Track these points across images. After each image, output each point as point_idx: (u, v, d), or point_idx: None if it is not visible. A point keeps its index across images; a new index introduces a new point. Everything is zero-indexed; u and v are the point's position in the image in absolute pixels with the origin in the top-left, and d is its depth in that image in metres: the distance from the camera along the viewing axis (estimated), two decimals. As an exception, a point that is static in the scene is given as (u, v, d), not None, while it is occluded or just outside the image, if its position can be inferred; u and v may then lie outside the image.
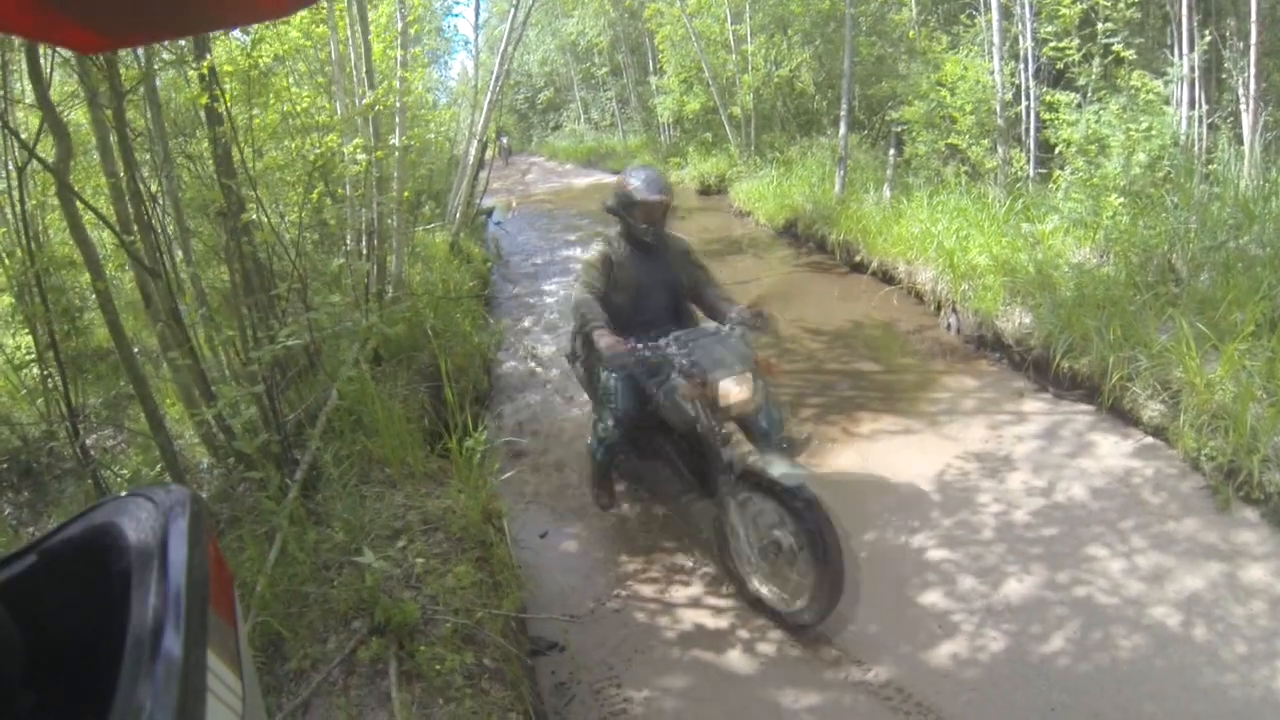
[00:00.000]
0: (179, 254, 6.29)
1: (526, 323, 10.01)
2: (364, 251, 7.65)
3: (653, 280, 5.06)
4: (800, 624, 4.29)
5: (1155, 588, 4.54)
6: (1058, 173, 9.32)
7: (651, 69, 24.35)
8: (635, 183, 4.94)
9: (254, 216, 5.62)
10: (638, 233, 4.98)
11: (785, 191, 14.22)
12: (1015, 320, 7.68)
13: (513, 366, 8.56)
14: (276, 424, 4.94)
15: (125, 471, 5.37)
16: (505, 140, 16.95)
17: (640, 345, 4.45)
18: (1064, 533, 5.12)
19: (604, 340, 4.33)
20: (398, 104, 7.88)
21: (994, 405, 6.94)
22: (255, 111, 6.81)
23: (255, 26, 6.84)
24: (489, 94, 13.11)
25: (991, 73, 10.52)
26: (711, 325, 4.89)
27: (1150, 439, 6.05)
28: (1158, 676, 3.94)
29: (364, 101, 7.31)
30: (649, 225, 4.96)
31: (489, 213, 17.21)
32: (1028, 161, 10.26)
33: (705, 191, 18.85)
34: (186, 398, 5.38)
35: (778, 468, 4.08)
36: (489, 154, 15.26)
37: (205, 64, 5.25)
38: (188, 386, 5.20)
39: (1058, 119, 9.27)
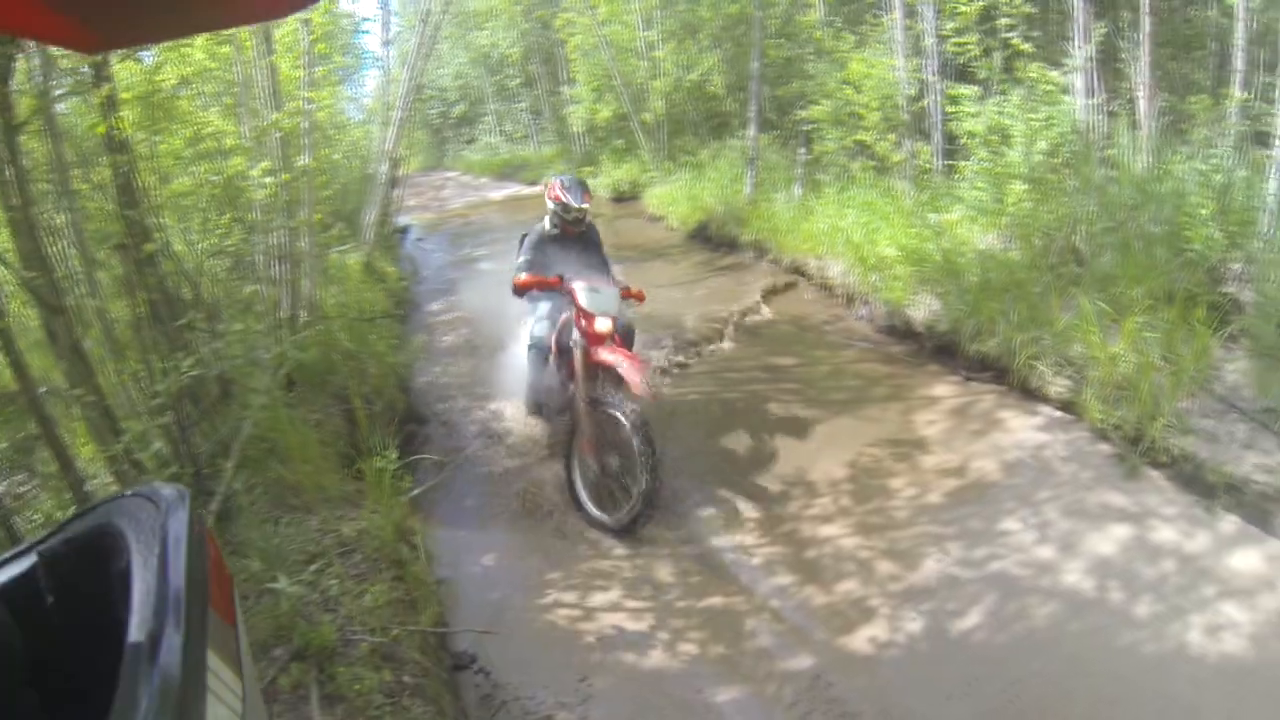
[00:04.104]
0: (84, 287, 6.14)
1: (446, 340, 9.93)
2: (276, 276, 7.50)
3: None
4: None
5: (1068, 555, 4.72)
6: (962, 164, 9.52)
7: (563, 78, 24.12)
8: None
9: (158, 246, 5.49)
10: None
11: (697, 194, 14.26)
12: (924, 308, 7.88)
13: (429, 384, 8.50)
14: (189, 455, 4.88)
15: (38, 516, 5.25)
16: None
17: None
18: (978, 509, 5.27)
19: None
20: (304, 125, 7.76)
21: (905, 390, 7.12)
22: (158, 137, 6.63)
23: (156, 50, 6.72)
24: (398, 110, 12.98)
25: (896, 69, 10.69)
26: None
27: (1059, 413, 6.27)
28: (1073, 641, 4.10)
29: (268, 123, 7.21)
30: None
31: (405, 230, 16.99)
32: (934, 154, 10.43)
33: (619, 198, 18.75)
34: (97, 435, 5.25)
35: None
36: (401, 171, 14.92)
37: (103, 91, 5.14)
38: (96, 423, 5.08)
39: (961, 112, 9.48)
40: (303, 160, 7.79)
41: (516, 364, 6.85)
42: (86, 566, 1.37)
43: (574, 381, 5.84)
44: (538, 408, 6.65)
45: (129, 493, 1.50)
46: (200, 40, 7.20)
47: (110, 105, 5.24)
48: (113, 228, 5.59)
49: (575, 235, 6.68)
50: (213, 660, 1.15)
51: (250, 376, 5.88)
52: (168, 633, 1.09)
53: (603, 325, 5.68)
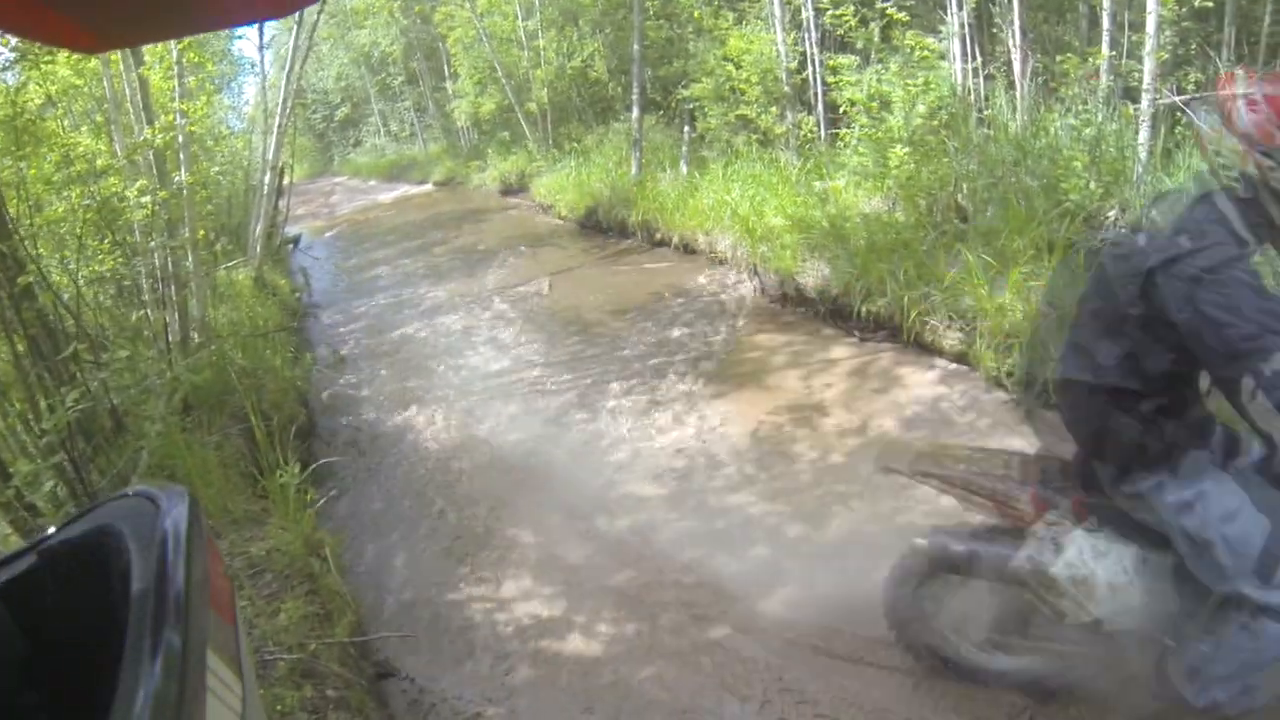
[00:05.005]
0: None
1: (344, 350, 9.75)
2: (163, 299, 7.18)
3: None
4: None
5: (975, 502, 4.76)
6: (845, 132, 9.69)
7: (447, 74, 24.09)
8: None
9: (33, 278, 5.13)
10: None
11: (584, 180, 14.26)
12: (814, 274, 7.98)
13: (330, 393, 8.31)
14: (86, 493, 4.69)
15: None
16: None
17: None
18: (882, 467, 5.32)
19: None
20: (179, 139, 7.39)
21: (803, 356, 7.20)
22: (25, 163, 6.26)
23: (19, 69, 6.51)
24: (279, 117, 12.54)
25: (775, 44, 10.79)
26: None
27: (954, 365, 6.43)
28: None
29: (141, 140, 6.87)
30: None
31: (295, 241, 16.42)
32: (817, 124, 10.63)
33: (507, 191, 18.81)
34: (-16, 485, 4.96)
35: None
36: (286, 180, 14.47)
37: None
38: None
39: (841, 81, 9.61)
40: (180, 176, 7.50)
41: None
42: (86, 566, 1.36)
43: None
44: None
45: (129, 492, 1.49)
46: (63, 55, 6.84)
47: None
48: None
49: None
50: (212, 660, 1.14)
51: (143, 405, 5.63)
52: (167, 632, 1.08)
53: None
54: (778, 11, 10.78)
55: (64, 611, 1.39)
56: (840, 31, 10.01)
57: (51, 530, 1.47)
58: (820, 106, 10.57)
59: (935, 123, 8.49)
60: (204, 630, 1.17)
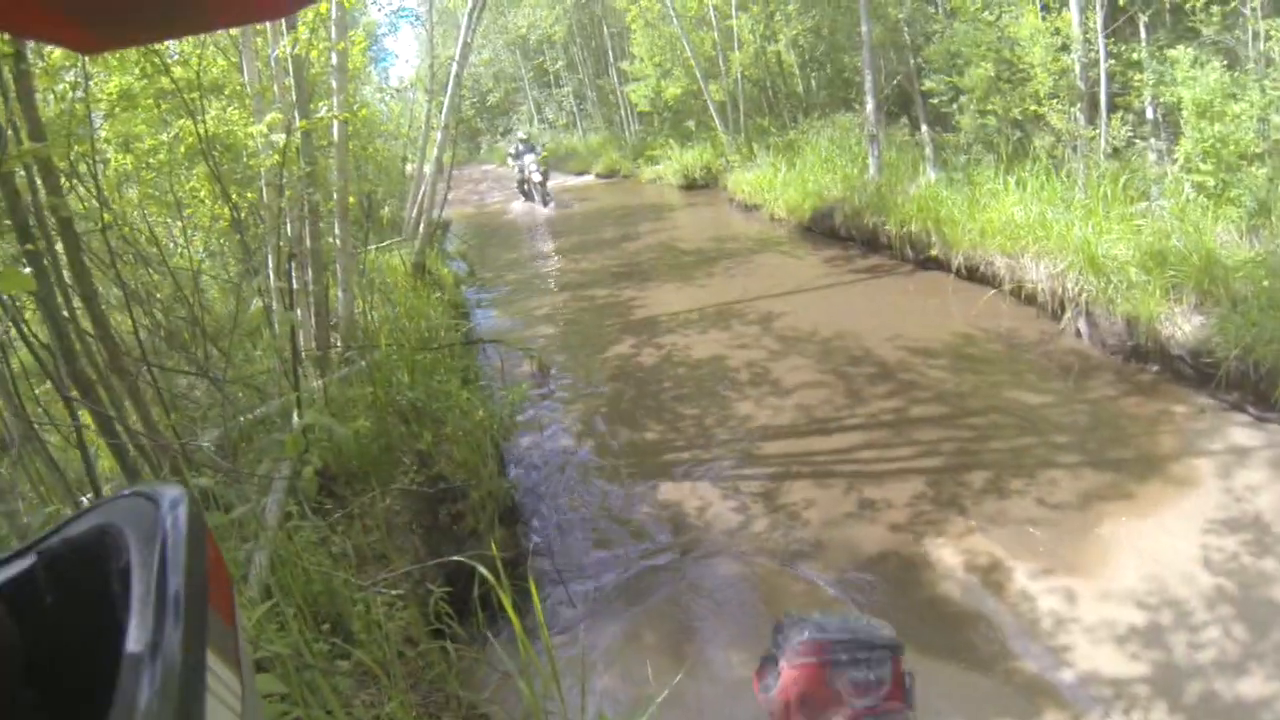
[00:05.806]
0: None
1: (526, 365, 7.84)
2: (292, 287, 5.33)
3: None
4: None
5: None
6: (1182, 139, 7.75)
7: (611, 59, 23.22)
8: None
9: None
10: None
11: (807, 179, 12.49)
12: (1183, 324, 6.23)
13: (532, 448, 6.30)
14: None
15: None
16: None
17: None
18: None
19: None
20: (333, 60, 5.88)
21: (1198, 439, 5.44)
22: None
23: None
24: (453, 67, 10.99)
25: (1057, 31, 8.88)
26: None
27: None
28: None
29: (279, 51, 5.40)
30: None
31: (445, 226, 15.12)
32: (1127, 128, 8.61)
33: (690, 186, 17.59)
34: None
35: None
36: (446, 158, 12.17)
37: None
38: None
39: (1148, 80, 8.03)
40: (329, 107, 6.19)
41: None
42: (86, 565, 1.25)
43: None
44: None
45: (127, 492, 1.33)
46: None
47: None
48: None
49: None
50: (212, 660, 1.06)
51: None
52: (167, 632, 1.00)
53: None
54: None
55: (64, 611, 1.27)
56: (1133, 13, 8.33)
57: (50, 530, 1.34)
58: (1105, 105, 8.66)
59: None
60: (203, 630, 1.09)
